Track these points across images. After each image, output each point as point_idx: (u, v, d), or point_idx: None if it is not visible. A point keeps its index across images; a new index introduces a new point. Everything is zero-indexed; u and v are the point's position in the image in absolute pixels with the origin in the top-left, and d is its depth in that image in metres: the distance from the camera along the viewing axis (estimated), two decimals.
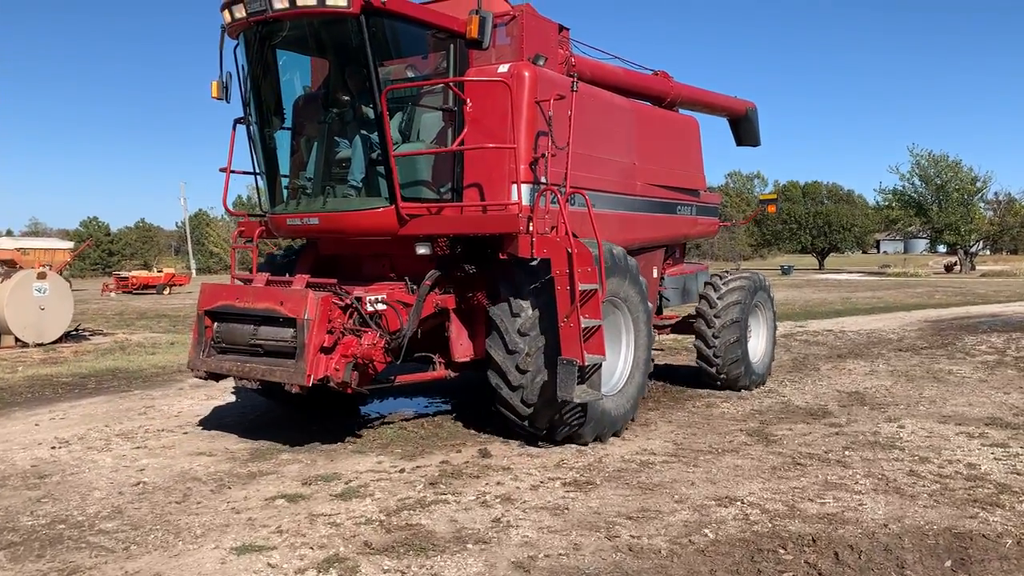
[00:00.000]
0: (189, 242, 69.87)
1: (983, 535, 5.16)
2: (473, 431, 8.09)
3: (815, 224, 70.47)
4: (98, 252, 66.38)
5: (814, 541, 5.04)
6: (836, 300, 27.74)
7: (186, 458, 7.11)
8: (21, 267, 22.79)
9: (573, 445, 7.47)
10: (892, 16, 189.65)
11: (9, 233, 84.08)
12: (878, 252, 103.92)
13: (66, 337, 15.86)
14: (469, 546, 4.99)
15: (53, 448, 7.45)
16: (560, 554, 4.87)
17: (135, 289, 38.57)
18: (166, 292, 37.93)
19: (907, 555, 4.85)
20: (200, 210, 77.24)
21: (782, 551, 4.92)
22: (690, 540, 5.09)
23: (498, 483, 6.31)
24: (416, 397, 9.99)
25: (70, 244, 50.10)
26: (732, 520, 5.46)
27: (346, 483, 6.31)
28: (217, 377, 7.71)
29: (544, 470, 6.68)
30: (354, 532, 5.23)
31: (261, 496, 6.01)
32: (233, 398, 9.83)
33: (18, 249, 42.53)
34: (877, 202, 63.96)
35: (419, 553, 4.88)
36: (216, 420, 8.66)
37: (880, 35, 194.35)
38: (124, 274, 41.81)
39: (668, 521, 5.44)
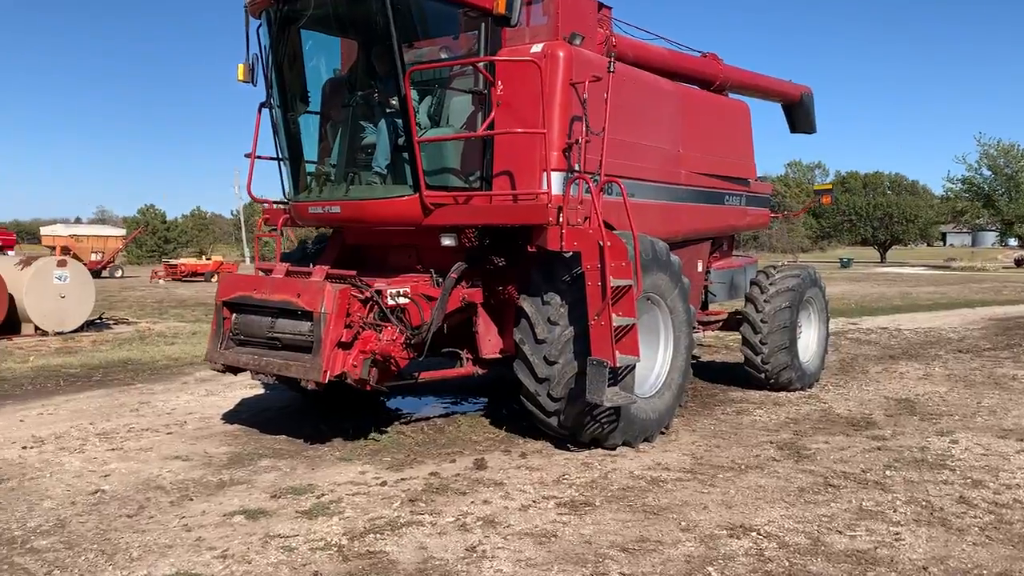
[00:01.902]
0: (243, 229, 70.60)
1: None
2: (476, 437, 7.46)
3: (875, 216, 68.02)
4: (154, 239, 67.24)
5: None
6: (895, 295, 26.41)
7: (159, 463, 6.60)
8: (75, 254, 23.11)
9: (579, 457, 6.78)
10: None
11: (77, 220, 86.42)
12: (944, 245, 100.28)
13: (88, 326, 15.62)
14: None
15: (24, 448, 7.01)
16: None
17: (184, 277, 38.85)
18: (214, 280, 38.10)
19: None
20: (262, 198, 77.76)
21: None
22: None
23: (485, 501, 5.64)
24: (440, 395, 9.41)
25: (122, 231, 51.06)
26: (743, 556, 4.71)
27: (318, 497, 5.71)
28: (235, 370, 7.42)
29: (541, 486, 5.99)
30: (306, 560, 4.62)
31: (221, 511, 5.44)
32: (235, 393, 9.36)
33: (72, 236, 43.66)
34: (944, 193, 61.52)
35: None
36: (208, 419, 8.17)
37: (947, 19, 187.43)
38: (174, 262, 42.24)
39: (668, 555, 4.72)
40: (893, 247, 71.67)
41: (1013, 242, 65.49)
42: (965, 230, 78.30)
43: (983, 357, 12.44)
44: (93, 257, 40.28)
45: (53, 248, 40.19)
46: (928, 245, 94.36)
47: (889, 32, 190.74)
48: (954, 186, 57.59)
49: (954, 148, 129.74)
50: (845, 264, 52.37)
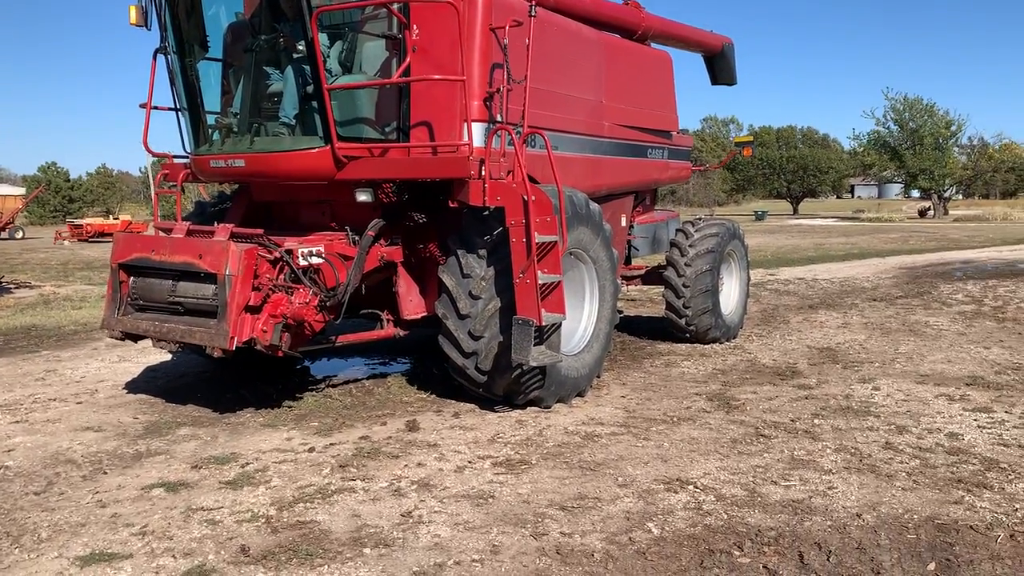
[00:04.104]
0: (153, 187, 67.92)
1: (970, 526, 4.43)
2: (407, 398, 7.27)
3: (790, 168, 69.75)
4: (58, 199, 64.07)
5: (776, 539, 4.29)
6: (809, 246, 27.11)
7: (68, 435, 6.22)
8: None
9: (513, 414, 6.69)
10: None
11: None
12: (852, 197, 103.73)
13: None
14: (366, 551, 4.17)
15: None
16: (473, 560, 4.07)
17: (90, 237, 37.21)
18: None
19: (884, 556, 4.10)
20: (162, 152, 74.87)
21: (737, 552, 4.16)
22: (630, 538, 4.31)
23: (419, 464, 5.48)
24: (367, 356, 9.15)
25: (22, 191, 48.50)
26: (682, 510, 4.68)
27: (242, 466, 5.46)
28: (135, 338, 6.96)
29: (475, 446, 5.87)
30: (232, 533, 4.39)
31: (138, 484, 5.15)
32: (149, 359, 8.92)
33: None
34: (852, 147, 63.40)
35: (303, 561, 4.06)
36: (120, 386, 7.76)
37: None
38: (78, 222, 40.39)
39: (607, 512, 4.66)
40: (805, 200, 73.71)
41: (916, 193, 68.11)
42: (872, 182, 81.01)
43: (896, 305, 12.83)
44: None
45: None
46: (838, 197, 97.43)
47: None
48: (861, 140, 59.41)
49: (861, 103, 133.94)
50: (760, 217, 53.59)
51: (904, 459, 5.54)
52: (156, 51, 7.54)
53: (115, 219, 41.98)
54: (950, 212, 56.04)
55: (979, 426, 6.27)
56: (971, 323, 11.03)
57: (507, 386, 6.64)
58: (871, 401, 7.04)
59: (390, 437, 6.09)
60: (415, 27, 6.69)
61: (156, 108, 7.64)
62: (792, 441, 5.95)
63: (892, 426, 6.29)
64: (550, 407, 6.86)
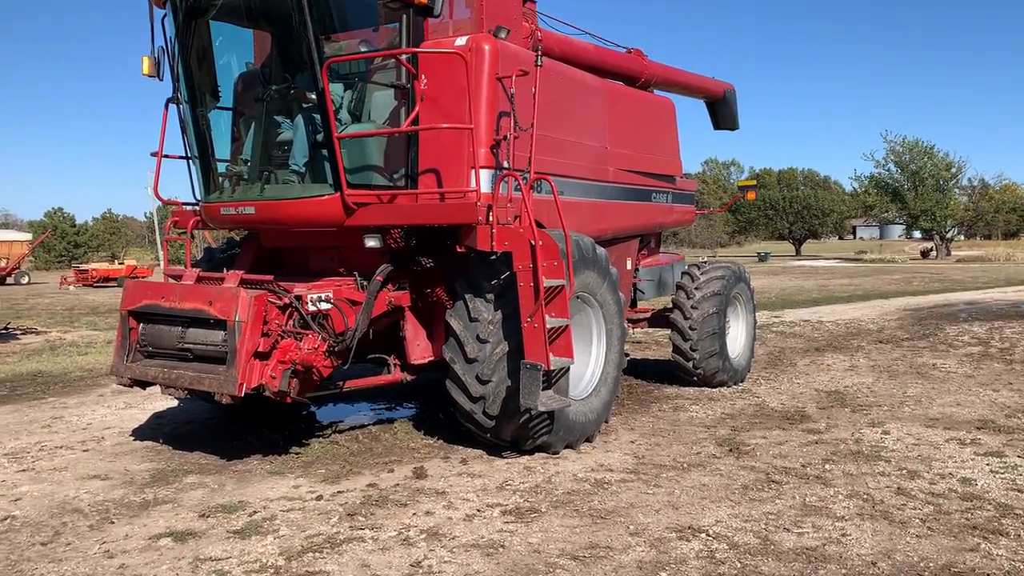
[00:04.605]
0: (157, 232, 68.30)
1: (987, 575, 4.37)
2: (413, 444, 7.23)
3: (792, 210, 70.05)
4: (63, 244, 64.52)
5: None
6: (813, 288, 27.10)
7: (75, 483, 6.19)
8: None
9: (521, 460, 6.65)
10: (865, 2, 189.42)
11: None
12: (854, 238, 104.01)
13: None
14: None
15: None
16: None
17: (95, 282, 37.34)
18: None
19: None
20: (171, 199, 75.41)
21: None
22: None
23: (428, 512, 5.44)
24: (372, 401, 9.13)
25: (28, 236, 48.81)
26: (695, 559, 4.63)
27: (250, 515, 5.42)
28: (143, 384, 6.97)
29: (484, 494, 5.82)
30: None
31: (146, 533, 5.11)
32: (155, 405, 8.89)
33: None
34: (853, 188, 63.69)
35: None
36: (127, 433, 7.74)
37: (853, 21, 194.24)
38: (84, 267, 40.58)
39: (619, 562, 4.61)
40: (807, 241, 73.91)
41: (918, 234, 68.22)
42: (874, 223, 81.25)
43: (903, 347, 12.79)
44: None
45: None
46: (840, 238, 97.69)
47: (797, 33, 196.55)
48: (862, 182, 59.69)
49: (860, 145, 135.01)
50: (763, 258, 53.70)
51: (917, 505, 5.48)
52: (168, 101, 7.65)
53: (120, 264, 42.15)
54: (953, 253, 56.06)
55: (992, 471, 6.22)
56: (979, 365, 10.99)
57: (515, 431, 6.61)
58: (881, 445, 6.99)
59: (398, 484, 6.05)
60: (423, 77, 6.81)
61: (167, 156, 7.74)
62: (803, 487, 5.90)
63: (904, 471, 6.24)
64: (559, 453, 6.82)
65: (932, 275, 32.87)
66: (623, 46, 9.99)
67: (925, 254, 55.08)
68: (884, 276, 32.88)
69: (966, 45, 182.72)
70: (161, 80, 7.46)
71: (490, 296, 6.64)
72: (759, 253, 56.56)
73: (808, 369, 10.99)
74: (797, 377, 10.40)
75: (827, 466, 6.41)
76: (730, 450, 6.91)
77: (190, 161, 7.68)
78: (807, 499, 5.63)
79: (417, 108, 6.73)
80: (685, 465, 6.48)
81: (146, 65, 7.42)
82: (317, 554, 4.74)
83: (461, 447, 7.05)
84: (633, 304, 10.43)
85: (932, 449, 6.87)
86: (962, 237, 71.59)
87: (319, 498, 5.75)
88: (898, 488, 5.83)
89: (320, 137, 6.74)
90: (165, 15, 7.25)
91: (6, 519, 5.41)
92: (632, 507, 5.51)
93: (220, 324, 6.28)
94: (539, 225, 6.59)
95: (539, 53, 7.19)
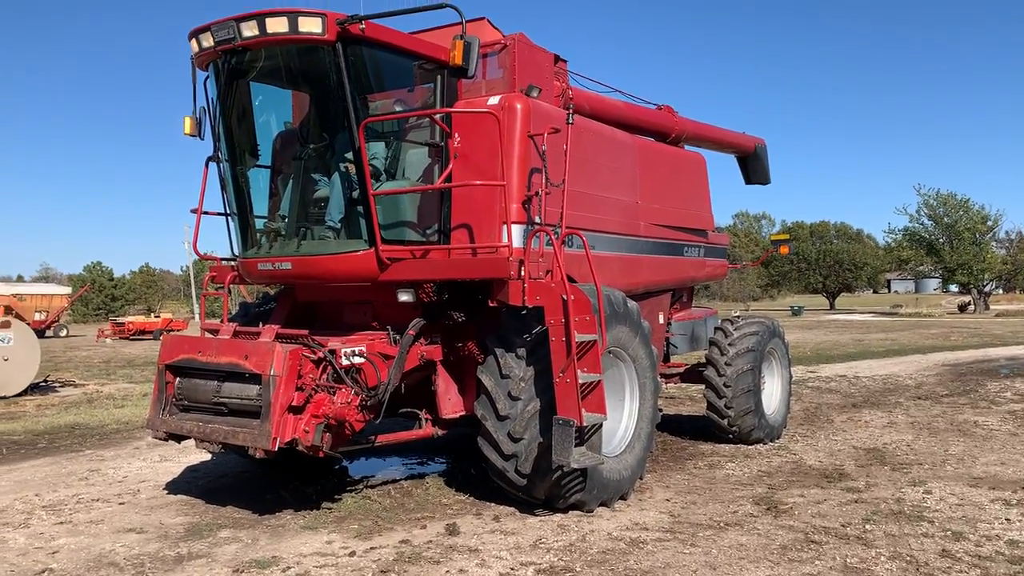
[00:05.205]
0: (193, 286, 69.37)
1: None
2: (445, 500, 7.19)
3: (825, 263, 69.50)
4: (100, 297, 65.73)
5: None
6: (848, 342, 26.75)
7: (111, 536, 6.23)
8: (18, 314, 22.36)
9: (554, 518, 6.57)
10: (895, 54, 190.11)
11: (20, 279, 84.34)
12: (889, 291, 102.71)
13: (32, 389, 15.01)
14: None
15: None
16: None
17: (131, 335, 37.89)
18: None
19: None
20: (208, 254, 76.71)
21: None
22: None
23: (461, 570, 5.39)
24: (404, 455, 9.11)
25: (67, 290, 49.78)
26: None
27: (284, 570, 5.40)
28: (178, 438, 7.03)
29: (517, 552, 5.76)
30: None
31: None
32: (190, 459, 8.95)
33: (14, 295, 42.33)
34: (887, 242, 63.12)
35: None
36: (162, 487, 7.78)
37: (886, 73, 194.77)
38: (120, 320, 41.22)
39: None
40: (841, 294, 73.13)
41: (954, 288, 67.23)
42: (909, 277, 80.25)
43: (943, 404, 12.54)
44: (37, 316, 39.12)
45: None
46: (874, 292, 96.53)
47: (827, 87, 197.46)
48: (896, 236, 59.19)
49: (892, 198, 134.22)
50: (796, 312, 53.21)
51: (963, 568, 5.33)
52: (208, 159, 7.84)
53: (156, 317, 42.77)
54: (991, 307, 55.15)
55: None
56: (1022, 423, 10.73)
57: (548, 489, 6.56)
58: (924, 505, 6.83)
59: (430, 541, 6.01)
60: (457, 135, 6.94)
61: (206, 213, 7.91)
62: (844, 547, 5.76)
63: (948, 532, 6.08)
64: (592, 511, 6.74)
65: (970, 329, 32.31)
66: (654, 103, 10.14)
67: (963, 308, 54.23)
68: (921, 330, 32.39)
69: (998, 97, 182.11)
70: (202, 139, 7.66)
71: (521, 352, 6.65)
72: (792, 307, 56.06)
73: (845, 426, 10.80)
74: (834, 434, 10.22)
75: (868, 526, 6.26)
76: (768, 509, 6.78)
77: (229, 217, 7.83)
78: (848, 560, 5.49)
79: (451, 165, 6.85)
80: (722, 524, 6.37)
81: (187, 125, 7.62)
82: None
83: (493, 503, 6.99)
84: (666, 359, 10.38)
85: (977, 510, 6.69)
86: (1000, 291, 70.45)
87: (352, 554, 5.72)
88: (942, 550, 5.68)
89: (356, 194, 6.86)
90: (207, 77, 7.44)
91: (43, 572, 5.45)
92: (668, 567, 5.41)
93: (255, 378, 6.34)
94: (571, 280, 6.62)
95: (570, 111, 7.32)
